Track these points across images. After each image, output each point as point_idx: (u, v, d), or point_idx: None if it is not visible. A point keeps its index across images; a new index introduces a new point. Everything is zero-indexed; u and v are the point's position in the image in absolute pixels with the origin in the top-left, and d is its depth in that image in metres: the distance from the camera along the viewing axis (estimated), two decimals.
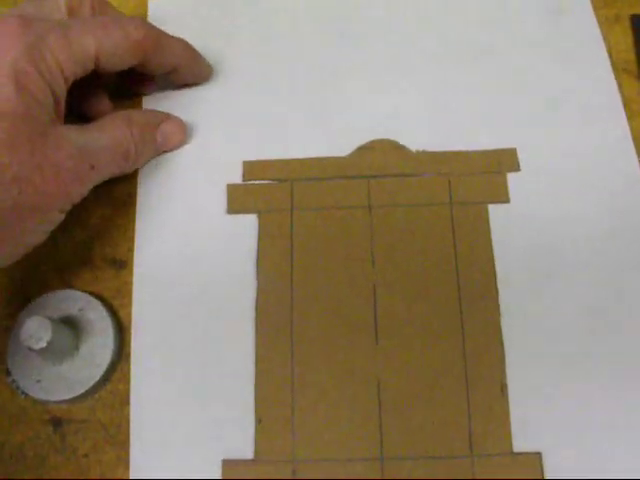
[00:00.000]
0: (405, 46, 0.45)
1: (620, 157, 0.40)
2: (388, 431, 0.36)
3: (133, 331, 0.38)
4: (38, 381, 0.37)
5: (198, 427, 0.37)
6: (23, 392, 0.37)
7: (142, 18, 0.40)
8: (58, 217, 0.36)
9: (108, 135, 0.37)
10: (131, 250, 0.40)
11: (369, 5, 0.46)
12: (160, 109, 0.43)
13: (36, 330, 0.34)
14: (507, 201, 0.40)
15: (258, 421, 0.36)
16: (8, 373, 0.38)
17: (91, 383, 0.37)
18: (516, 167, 0.41)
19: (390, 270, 0.39)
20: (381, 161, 0.41)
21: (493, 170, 0.41)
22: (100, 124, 0.38)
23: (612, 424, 0.36)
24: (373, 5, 0.46)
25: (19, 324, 0.37)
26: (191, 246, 0.40)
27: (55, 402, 0.37)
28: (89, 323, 0.38)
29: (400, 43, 0.45)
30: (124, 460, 0.36)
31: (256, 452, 0.36)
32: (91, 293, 0.39)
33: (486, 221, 0.39)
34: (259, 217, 0.40)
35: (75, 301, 0.38)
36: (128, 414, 0.37)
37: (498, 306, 0.38)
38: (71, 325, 0.37)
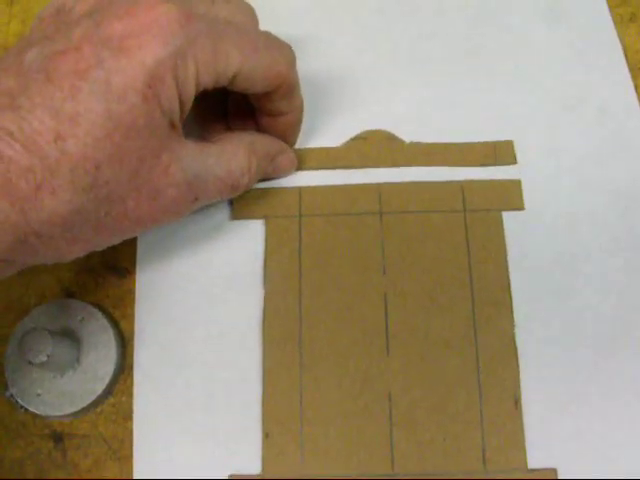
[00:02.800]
0: (409, 43, 0.43)
1: (638, 160, 0.39)
2: (399, 446, 0.35)
3: (136, 342, 0.37)
4: (38, 395, 0.36)
5: (204, 442, 0.36)
6: (22, 406, 0.36)
7: (290, 48, 0.35)
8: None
9: (225, 166, 0.34)
10: (133, 258, 0.39)
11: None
12: None
13: (36, 343, 0.33)
14: (522, 208, 0.38)
15: (265, 435, 0.35)
16: (6, 387, 0.36)
17: (93, 396, 0.36)
18: (512, 160, 0.39)
19: (402, 279, 0.37)
20: (374, 152, 0.40)
21: (488, 162, 0.39)
22: (220, 150, 0.34)
23: (630, 440, 0.35)
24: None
25: (18, 335, 0.36)
26: (195, 253, 0.38)
27: (56, 417, 0.36)
28: (91, 334, 0.37)
29: (404, 40, 0.44)
30: (127, 476, 0.35)
31: (263, 468, 0.35)
32: (92, 302, 0.38)
33: (500, 229, 0.38)
34: (266, 223, 0.39)
35: (76, 311, 0.37)
36: (131, 428, 0.36)
37: (512, 317, 0.37)
38: (72, 337, 0.36)
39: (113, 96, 0.28)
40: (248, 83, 0.33)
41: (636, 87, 0.41)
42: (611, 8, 0.43)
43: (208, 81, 0.32)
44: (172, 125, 0.31)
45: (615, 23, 0.42)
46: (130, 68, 0.28)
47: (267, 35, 0.35)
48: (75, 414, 0.36)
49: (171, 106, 0.30)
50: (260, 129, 0.38)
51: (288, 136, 0.39)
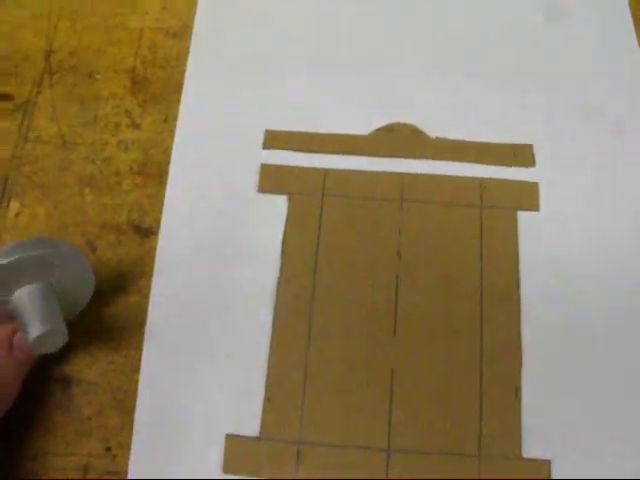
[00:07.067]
0: (438, 43, 0.46)
1: None
2: (397, 423, 0.35)
3: (151, 299, 0.38)
4: None
5: (206, 400, 0.36)
6: None
7: None
8: None
9: None
10: (158, 220, 0.40)
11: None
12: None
13: None
14: (537, 209, 0.40)
15: (267, 399, 0.36)
16: None
17: None
18: (531, 162, 0.41)
19: (415, 264, 0.38)
20: (399, 143, 0.42)
21: (507, 163, 0.41)
22: None
23: (625, 436, 0.35)
24: None
25: None
26: (219, 221, 0.40)
27: None
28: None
29: (432, 40, 0.46)
30: (128, 426, 0.36)
31: (262, 430, 0.35)
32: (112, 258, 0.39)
33: (514, 227, 0.39)
34: (289, 199, 0.40)
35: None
36: (137, 381, 0.37)
37: (519, 311, 0.37)
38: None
39: None
40: None
41: None
42: (636, 25, 0.45)
43: None
44: None
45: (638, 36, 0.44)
46: None
47: None
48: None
49: None
50: None
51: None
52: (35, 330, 0.33)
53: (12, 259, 0.33)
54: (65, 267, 0.35)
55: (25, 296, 0.34)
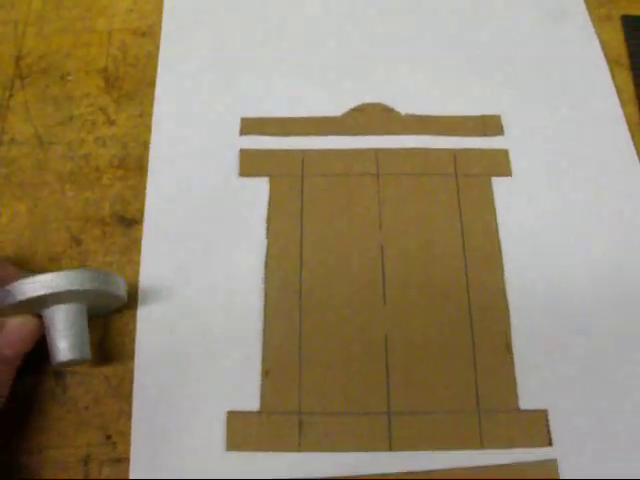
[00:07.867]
0: (411, 29, 0.48)
1: (614, 137, 0.43)
2: (395, 386, 0.36)
3: (140, 286, 0.38)
4: None
5: (203, 379, 0.36)
6: None
7: None
8: None
9: None
10: (141, 210, 0.40)
11: None
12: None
13: None
14: (509, 174, 0.41)
15: (265, 373, 0.36)
16: None
17: None
18: (500, 131, 0.43)
19: (397, 233, 0.39)
20: (371, 122, 0.43)
21: (478, 134, 0.43)
22: None
23: (619, 381, 0.36)
24: None
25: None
26: (203, 205, 0.40)
27: None
28: None
29: (407, 26, 0.48)
30: (126, 413, 0.36)
31: (262, 404, 0.36)
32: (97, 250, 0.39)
33: (490, 192, 0.41)
34: (270, 180, 0.41)
35: None
36: (132, 367, 0.37)
37: (502, 269, 0.39)
38: None
39: None
40: None
41: (613, 77, 0.45)
42: (590, 9, 0.47)
43: None
44: None
45: (593, 22, 0.47)
46: None
47: None
48: None
49: None
50: None
51: None
52: (62, 355, 0.34)
53: (60, 290, 0.33)
54: (104, 294, 0.35)
55: (59, 316, 0.34)
